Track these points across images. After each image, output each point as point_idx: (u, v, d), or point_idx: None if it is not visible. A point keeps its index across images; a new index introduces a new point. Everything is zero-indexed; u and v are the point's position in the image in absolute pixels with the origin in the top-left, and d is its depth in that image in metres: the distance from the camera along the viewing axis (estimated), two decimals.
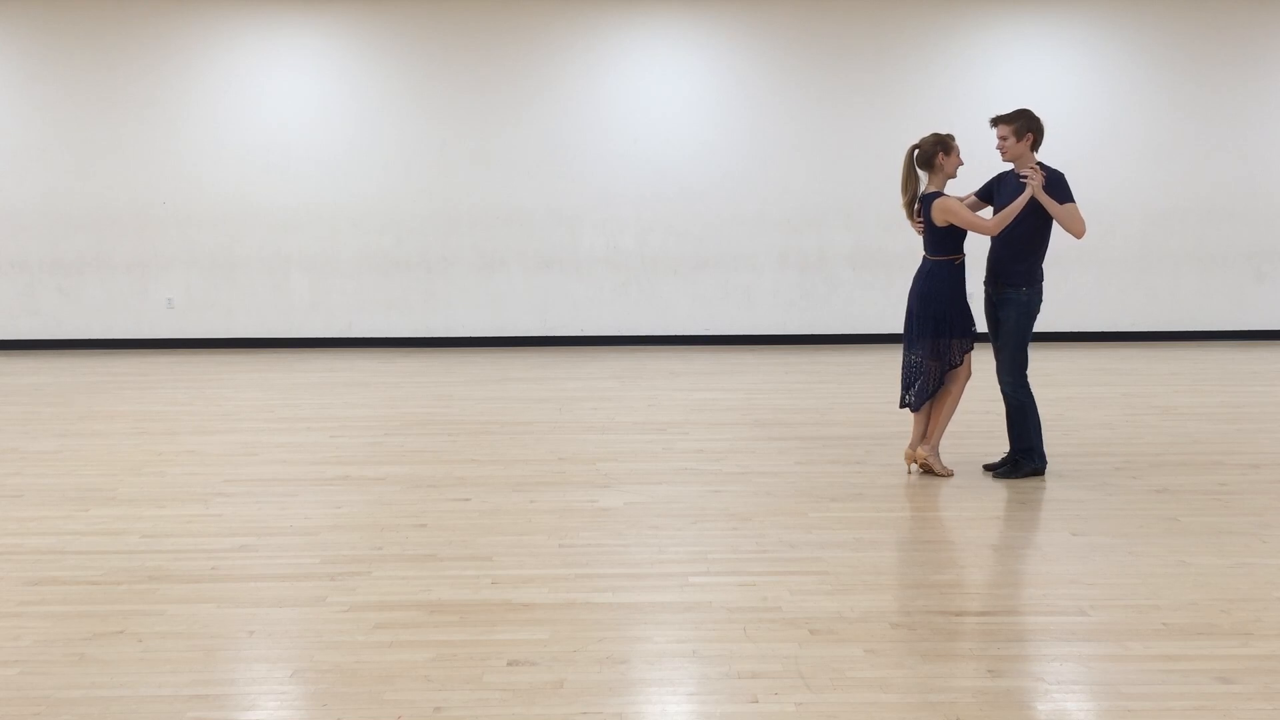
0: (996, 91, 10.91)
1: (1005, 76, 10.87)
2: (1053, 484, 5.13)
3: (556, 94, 10.74)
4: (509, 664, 3.09)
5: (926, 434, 5.30)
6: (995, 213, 5.18)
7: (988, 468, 5.43)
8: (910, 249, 10.89)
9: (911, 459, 5.32)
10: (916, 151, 5.18)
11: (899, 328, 11.01)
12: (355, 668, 3.08)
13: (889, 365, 9.34)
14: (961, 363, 5.22)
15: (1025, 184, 5.04)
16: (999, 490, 5.03)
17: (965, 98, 10.87)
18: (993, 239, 5.20)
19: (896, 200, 11.64)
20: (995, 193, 5.30)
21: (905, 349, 5.31)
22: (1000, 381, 5.29)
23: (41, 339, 10.87)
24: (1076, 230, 5.03)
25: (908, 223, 5.36)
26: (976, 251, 5.35)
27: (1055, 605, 3.55)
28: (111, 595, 3.69)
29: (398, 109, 10.76)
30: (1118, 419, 6.76)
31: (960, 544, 4.21)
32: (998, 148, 5.18)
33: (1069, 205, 5.02)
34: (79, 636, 3.31)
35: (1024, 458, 5.27)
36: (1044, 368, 9.04)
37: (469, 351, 10.52)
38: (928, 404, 5.26)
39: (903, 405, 5.35)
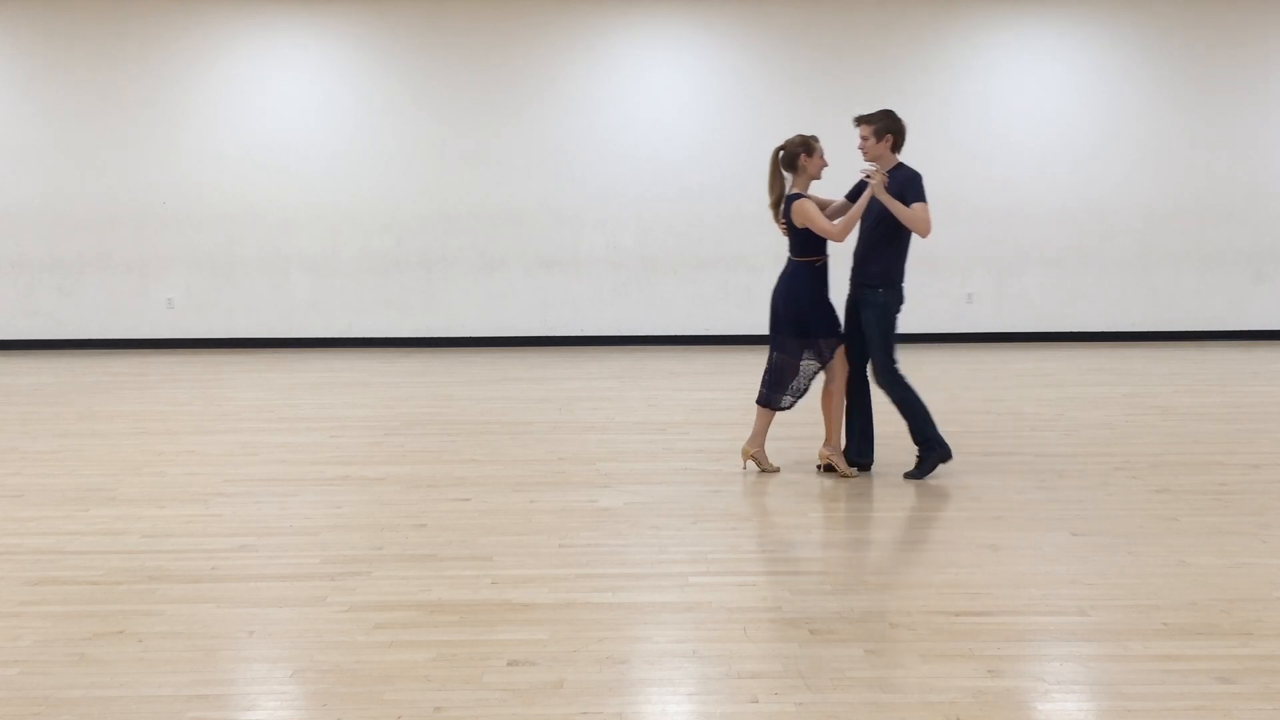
0: (997, 92, 10.94)
1: (1005, 77, 10.88)
2: (1053, 484, 5.13)
3: (557, 94, 10.75)
4: (509, 664, 3.09)
5: (826, 436, 5.32)
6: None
7: (908, 475, 5.33)
8: (910, 248, 10.89)
9: (749, 456, 5.36)
10: (781, 153, 5.18)
11: (899, 327, 11.03)
12: (355, 668, 3.08)
13: None
14: (833, 358, 5.25)
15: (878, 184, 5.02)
16: (999, 490, 5.03)
17: (965, 98, 10.88)
18: (859, 238, 5.21)
19: None
20: (863, 194, 5.26)
21: (770, 348, 5.35)
22: (877, 385, 5.27)
23: (41, 339, 10.87)
24: (920, 230, 5.01)
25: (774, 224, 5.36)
26: (844, 251, 5.36)
27: (1055, 605, 3.55)
28: (111, 595, 3.68)
29: (398, 109, 10.76)
30: (1118, 419, 6.76)
31: (960, 544, 4.21)
32: (859, 147, 5.16)
33: (918, 205, 4.98)
34: (79, 636, 3.31)
35: (925, 451, 5.24)
36: (1044, 368, 9.05)
37: (469, 351, 10.52)
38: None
39: (779, 407, 5.36)
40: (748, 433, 6.40)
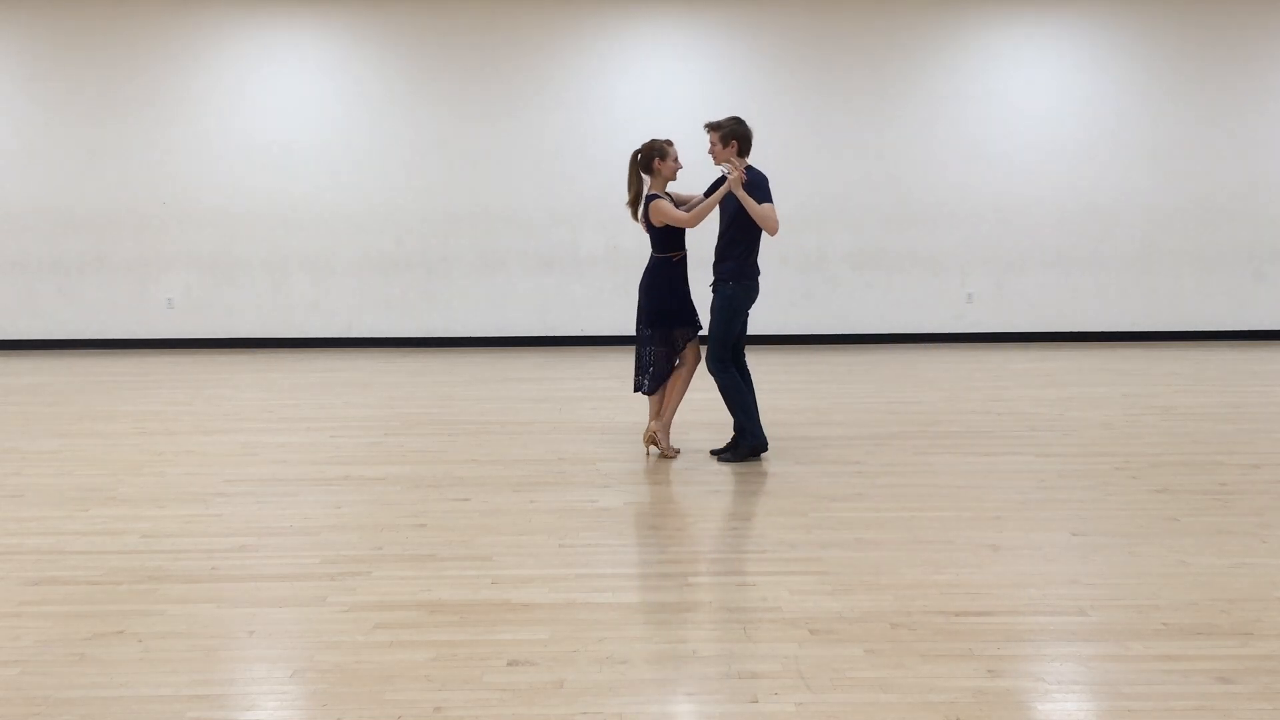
0: (997, 91, 10.94)
1: (1005, 76, 10.88)
2: (1052, 484, 5.13)
3: (557, 94, 10.75)
4: (509, 664, 3.09)
5: (659, 412, 5.73)
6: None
7: (714, 452, 5.74)
8: (910, 248, 10.90)
9: (650, 439, 5.73)
10: (639, 156, 5.54)
11: (899, 327, 11.07)
12: (355, 668, 3.08)
13: (889, 365, 9.35)
14: (684, 348, 5.64)
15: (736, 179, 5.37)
16: (998, 490, 5.04)
17: (965, 97, 10.88)
18: (717, 237, 5.55)
19: (897, 200, 11.66)
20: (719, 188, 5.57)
21: (637, 340, 5.70)
22: (708, 369, 5.59)
23: (41, 339, 10.88)
24: (768, 228, 5.36)
25: (633, 221, 5.71)
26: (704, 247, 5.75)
27: (1055, 605, 3.54)
28: (111, 595, 3.68)
29: (398, 109, 10.76)
30: (1118, 419, 6.76)
31: (960, 544, 4.21)
32: (708, 151, 5.49)
33: (765, 205, 5.31)
34: (79, 636, 3.31)
35: (740, 438, 5.62)
36: (1044, 368, 9.05)
37: (469, 351, 10.52)
38: (661, 388, 5.67)
39: (637, 390, 5.73)
40: None
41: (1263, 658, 3.11)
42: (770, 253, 11.06)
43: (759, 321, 11.15)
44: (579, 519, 4.60)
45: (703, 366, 5.65)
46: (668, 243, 5.53)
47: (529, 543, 4.24)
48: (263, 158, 10.76)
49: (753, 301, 5.57)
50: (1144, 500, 4.84)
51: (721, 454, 5.66)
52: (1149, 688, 2.92)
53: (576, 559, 4.05)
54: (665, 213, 5.41)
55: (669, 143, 5.53)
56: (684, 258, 5.61)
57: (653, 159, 5.50)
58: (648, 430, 5.75)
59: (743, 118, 5.52)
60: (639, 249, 11.09)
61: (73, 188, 10.76)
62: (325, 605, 3.57)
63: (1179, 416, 6.88)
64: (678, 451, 5.74)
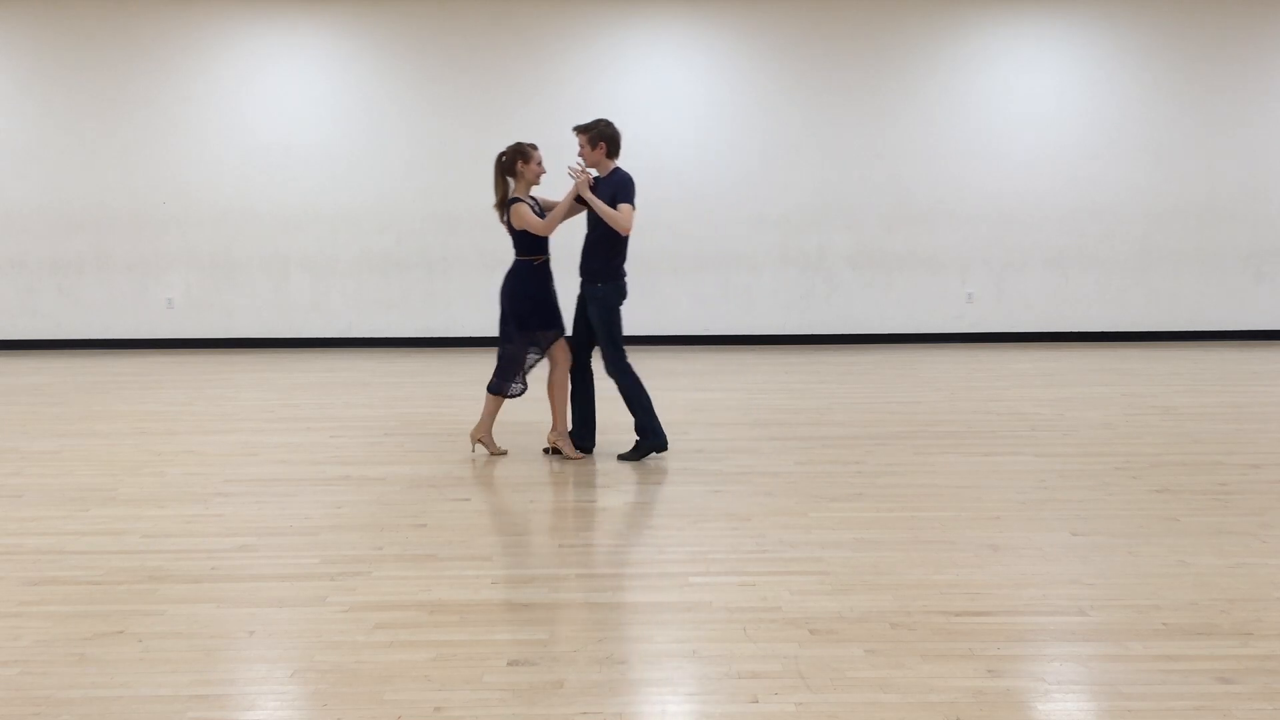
0: (996, 91, 10.94)
1: (1005, 76, 10.88)
2: (1053, 484, 5.13)
3: (556, 94, 10.74)
4: (509, 664, 3.09)
5: (553, 422, 5.78)
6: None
7: (621, 456, 5.74)
8: (910, 249, 10.90)
9: (476, 440, 5.80)
10: (502, 158, 5.60)
11: (899, 328, 11.08)
12: (355, 668, 3.08)
13: (889, 365, 9.35)
14: (552, 349, 5.70)
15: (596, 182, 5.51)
16: (999, 490, 5.04)
17: (965, 97, 10.88)
18: (585, 237, 5.60)
19: (897, 200, 11.65)
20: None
21: (500, 342, 5.74)
22: (607, 372, 5.66)
23: (41, 339, 10.88)
24: (619, 229, 5.42)
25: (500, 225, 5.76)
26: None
27: (1055, 605, 3.54)
28: (111, 595, 3.68)
29: (398, 109, 10.76)
30: (1118, 419, 6.76)
31: (960, 544, 4.21)
32: (579, 155, 5.58)
33: (624, 206, 5.41)
34: (79, 636, 3.31)
35: (641, 438, 5.68)
36: (1044, 368, 9.05)
37: (469, 351, 10.52)
38: (506, 388, 5.72)
39: (509, 395, 5.77)
40: (747, 432, 6.41)
41: (1263, 658, 3.11)
42: (771, 252, 11.13)
43: (761, 321, 11.23)
44: (579, 519, 4.60)
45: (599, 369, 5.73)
46: (529, 246, 5.56)
47: (529, 543, 4.24)
48: (263, 158, 10.76)
49: (623, 300, 5.63)
50: (1144, 500, 4.84)
51: (624, 454, 5.72)
52: (1149, 688, 2.92)
53: (576, 559, 4.05)
54: (523, 217, 5.48)
55: (533, 146, 5.62)
56: (546, 261, 5.64)
57: (515, 162, 5.56)
58: (476, 430, 5.78)
59: (611, 120, 5.62)
60: (639, 249, 11.08)
61: (73, 187, 10.76)
62: (325, 605, 3.57)
63: (1179, 416, 6.88)
64: (581, 455, 5.75)
